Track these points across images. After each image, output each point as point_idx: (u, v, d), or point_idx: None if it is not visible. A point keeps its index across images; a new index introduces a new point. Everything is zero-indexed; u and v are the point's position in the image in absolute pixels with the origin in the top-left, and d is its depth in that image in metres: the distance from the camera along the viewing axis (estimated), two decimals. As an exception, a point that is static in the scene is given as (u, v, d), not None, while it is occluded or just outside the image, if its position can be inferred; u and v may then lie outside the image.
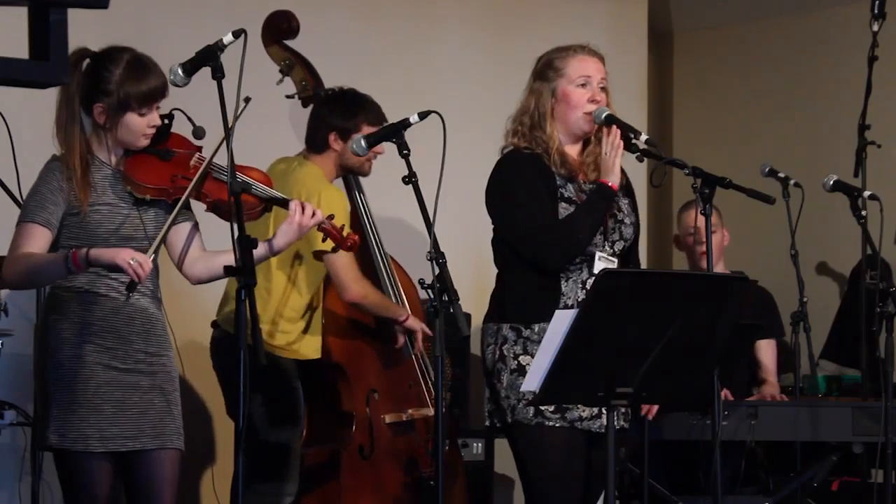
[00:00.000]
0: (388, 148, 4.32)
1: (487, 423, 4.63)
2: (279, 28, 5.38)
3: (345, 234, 4.21)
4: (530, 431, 4.50)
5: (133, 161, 4.11)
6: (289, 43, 5.40)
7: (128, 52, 4.06)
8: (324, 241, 4.33)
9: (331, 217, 4.21)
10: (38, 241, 4.01)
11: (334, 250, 4.42)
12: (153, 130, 4.09)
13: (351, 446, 5.18)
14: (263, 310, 5.01)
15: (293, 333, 5.10)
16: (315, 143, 5.25)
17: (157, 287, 4.17)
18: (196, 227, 4.19)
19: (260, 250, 4.01)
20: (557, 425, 4.48)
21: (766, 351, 6.26)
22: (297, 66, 5.40)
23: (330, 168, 5.24)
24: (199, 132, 4.10)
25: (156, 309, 4.14)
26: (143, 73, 4.05)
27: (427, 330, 5.29)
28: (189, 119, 4.04)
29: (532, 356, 4.41)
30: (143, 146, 4.11)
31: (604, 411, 4.44)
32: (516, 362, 4.51)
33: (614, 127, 4.54)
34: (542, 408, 4.45)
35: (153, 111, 4.08)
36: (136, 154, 4.12)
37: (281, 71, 5.41)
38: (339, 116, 5.21)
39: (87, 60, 4.09)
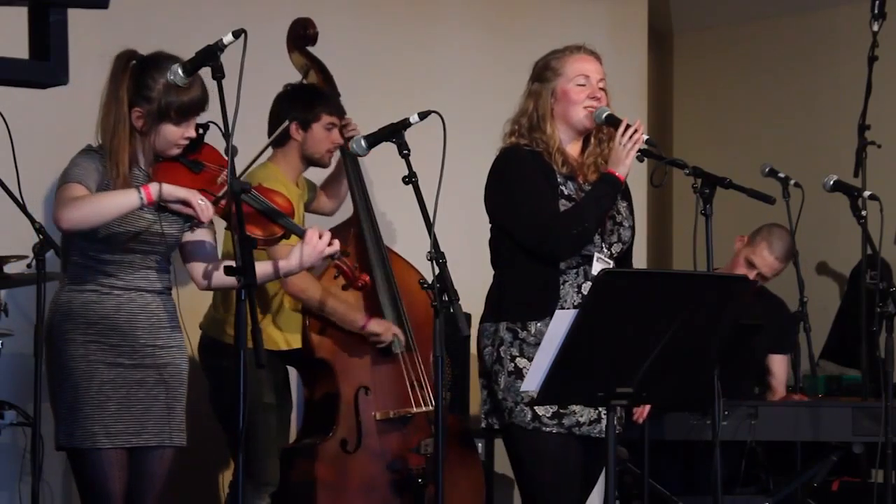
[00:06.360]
0: (389, 148, 4.32)
1: (484, 424, 4.61)
2: (297, 35, 5.56)
3: (357, 273, 4.30)
4: (528, 436, 4.48)
5: (162, 168, 4.13)
6: (310, 49, 5.57)
7: (174, 62, 4.02)
8: (335, 277, 4.41)
9: (346, 254, 4.27)
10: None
11: (345, 288, 4.49)
12: (186, 142, 4.12)
13: (332, 440, 5.18)
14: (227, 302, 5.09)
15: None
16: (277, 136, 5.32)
17: (169, 281, 4.22)
18: (212, 236, 4.26)
19: (266, 268, 4.14)
20: (555, 431, 4.45)
21: (779, 364, 6.25)
22: (311, 71, 5.55)
23: (295, 162, 5.31)
24: (232, 151, 4.07)
25: (164, 301, 4.19)
26: (186, 85, 4.03)
27: (396, 329, 5.27)
28: (225, 136, 3.84)
29: (529, 359, 4.41)
30: (174, 154, 4.13)
31: (602, 416, 4.44)
32: (513, 364, 4.49)
33: (638, 121, 4.50)
34: (540, 413, 4.44)
35: (190, 123, 4.10)
36: (167, 161, 4.15)
37: (303, 78, 5.55)
38: (298, 107, 5.31)
39: (134, 63, 4.10)
